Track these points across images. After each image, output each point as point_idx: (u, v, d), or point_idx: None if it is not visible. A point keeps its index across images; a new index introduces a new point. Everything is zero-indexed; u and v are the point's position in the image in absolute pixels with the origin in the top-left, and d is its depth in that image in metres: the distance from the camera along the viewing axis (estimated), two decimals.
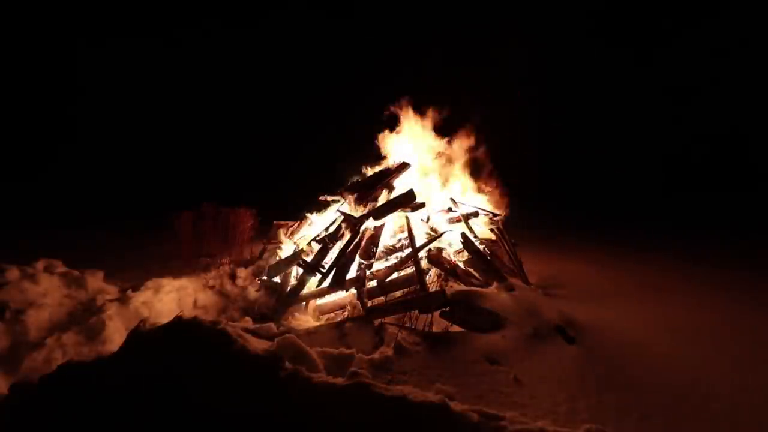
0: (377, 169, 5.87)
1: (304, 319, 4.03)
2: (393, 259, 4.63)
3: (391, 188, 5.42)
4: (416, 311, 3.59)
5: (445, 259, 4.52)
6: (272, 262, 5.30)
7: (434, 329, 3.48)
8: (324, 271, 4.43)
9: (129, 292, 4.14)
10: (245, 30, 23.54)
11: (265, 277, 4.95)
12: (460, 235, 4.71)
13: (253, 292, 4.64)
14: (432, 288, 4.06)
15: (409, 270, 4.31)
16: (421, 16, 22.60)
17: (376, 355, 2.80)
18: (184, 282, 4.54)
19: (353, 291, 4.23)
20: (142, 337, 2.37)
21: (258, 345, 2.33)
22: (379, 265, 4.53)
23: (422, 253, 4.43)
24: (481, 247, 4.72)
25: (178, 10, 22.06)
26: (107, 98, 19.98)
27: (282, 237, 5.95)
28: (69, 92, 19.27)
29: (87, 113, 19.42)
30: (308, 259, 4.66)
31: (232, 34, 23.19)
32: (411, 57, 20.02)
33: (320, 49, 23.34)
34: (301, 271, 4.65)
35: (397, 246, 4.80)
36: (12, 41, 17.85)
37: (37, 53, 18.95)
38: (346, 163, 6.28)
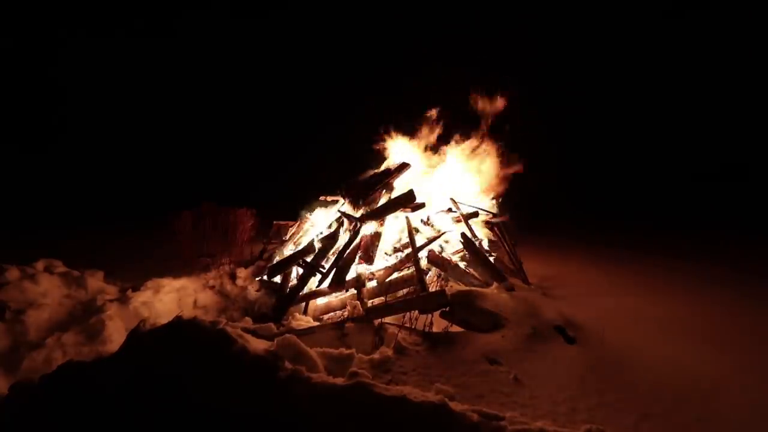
0: (378, 169, 5.87)
1: (305, 319, 4.03)
2: (393, 259, 4.63)
3: (391, 188, 5.42)
4: (416, 311, 3.59)
5: (445, 259, 4.52)
6: (272, 262, 5.30)
7: (434, 329, 3.48)
8: (324, 271, 4.43)
9: (129, 292, 4.14)
10: (246, 28, 23.56)
11: (265, 277, 4.95)
12: (460, 235, 4.71)
13: (253, 292, 4.64)
14: (432, 288, 4.06)
15: (409, 270, 4.31)
16: (424, 16, 22.60)
17: (376, 355, 2.80)
18: (184, 282, 4.54)
19: (353, 291, 4.23)
20: (142, 337, 2.37)
21: (258, 345, 2.32)
22: (379, 265, 4.53)
23: (422, 253, 4.43)
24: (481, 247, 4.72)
25: (180, 5, 22.08)
26: (107, 97, 20.00)
27: (282, 237, 5.94)
28: (69, 91, 19.27)
29: (87, 113, 19.44)
30: (308, 259, 4.66)
31: (233, 32, 23.20)
32: (413, 56, 19.99)
33: (321, 47, 23.36)
34: (301, 271, 4.65)
35: (397, 246, 4.81)
36: (9, 38, 17.82)
37: (35, 50, 18.95)
38: (347, 162, 6.27)
